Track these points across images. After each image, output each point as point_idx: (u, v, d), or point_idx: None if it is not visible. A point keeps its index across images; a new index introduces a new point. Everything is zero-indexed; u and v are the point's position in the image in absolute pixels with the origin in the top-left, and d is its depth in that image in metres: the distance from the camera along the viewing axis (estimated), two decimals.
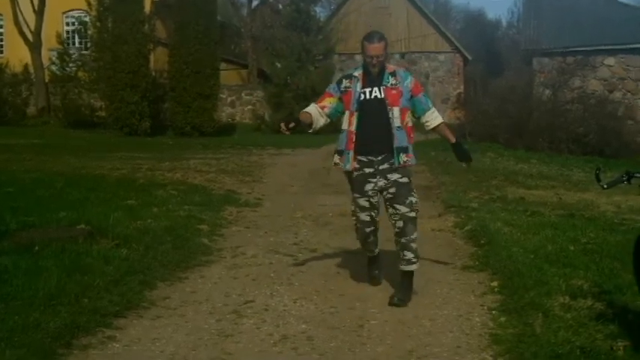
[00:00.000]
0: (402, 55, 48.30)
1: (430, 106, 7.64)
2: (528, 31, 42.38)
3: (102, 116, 34.68)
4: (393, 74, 7.53)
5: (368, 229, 7.66)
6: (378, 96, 7.45)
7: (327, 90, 7.84)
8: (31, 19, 38.85)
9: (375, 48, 7.42)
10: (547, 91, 33.99)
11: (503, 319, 6.59)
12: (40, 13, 38.55)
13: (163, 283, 7.69)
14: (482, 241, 9.81)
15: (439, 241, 10.36)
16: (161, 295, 7.32)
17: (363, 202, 7.54)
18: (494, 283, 7.75)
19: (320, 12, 49.37)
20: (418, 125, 7.65)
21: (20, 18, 39.06)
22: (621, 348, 5.68)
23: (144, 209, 11.45)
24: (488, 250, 9.23)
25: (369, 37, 7.52)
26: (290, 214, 12.38)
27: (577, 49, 37.56)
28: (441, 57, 48.19)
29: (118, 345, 5.90)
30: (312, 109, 7.73)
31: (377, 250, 7.96)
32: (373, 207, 7.55)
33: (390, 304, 7.24)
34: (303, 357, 5.78)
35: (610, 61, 38.30)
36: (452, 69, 48.11)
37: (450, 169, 19.49)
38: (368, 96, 7.47)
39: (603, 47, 37.80)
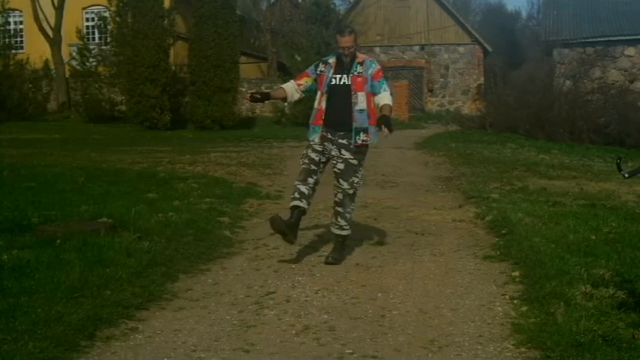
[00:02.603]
0: (422, 47, 48.27)
1: (383, 90, 8.47)
2: (548, 22, 42.35)
3: (122, 110, 34.84)
4: (362, 63, 8.55)
5: (312, 167, 8.60)
6: (346, 82, 8.49)
7: (306, 70, 9.00)
8: (50, 14, 38.99)
9: (346, 40, 8.45)
10: (567, 82, 33.91)
11: (524, 308, 6.58)
12: (59, 8, 38.68)
13: (185, 275, 7.72)
14: (504, 232, 9.80)
15: (460, 231, 10.35)
16: (183, 287, 7.34)
17: (317, 146, 8.59)
18: (516, 273, 7.74)
19: (339, 5, 49.46)
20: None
21: (40, 14, 39.20)
22: None
23: (165, 202, 11.47)
24: (510, 240, 9.22)
25: (340, 31, 8.66)
26: (311, 205, 12.34)
27: (597, 40, 37.52)
28: (461, 49, 48.09)
29: (140, 336, 5.92)
30: (289, 84, 8.89)
31: (306, 205, 8.64)
32: (323, 153, 8.61)
33: (326, 262, 8.39)
34: (325, 347, 5.78)
35: (630, 51, 38.22)
36: (472, 61, 47.99)
37: (470, 160, 19.48)
38: (337, 82, 8.53)
39: (623, 37, 37.74)
